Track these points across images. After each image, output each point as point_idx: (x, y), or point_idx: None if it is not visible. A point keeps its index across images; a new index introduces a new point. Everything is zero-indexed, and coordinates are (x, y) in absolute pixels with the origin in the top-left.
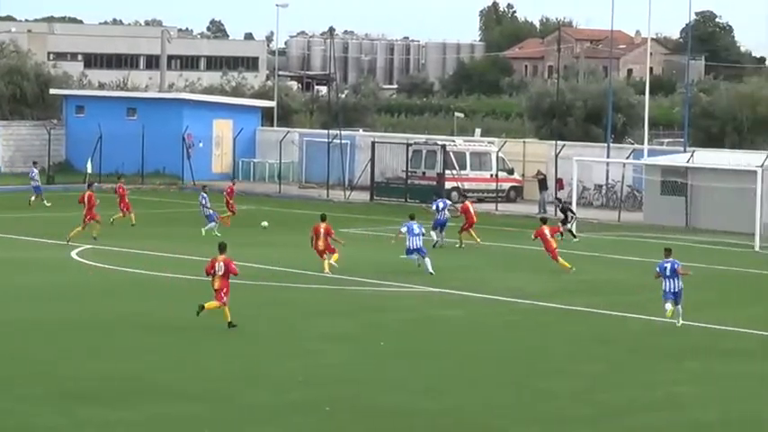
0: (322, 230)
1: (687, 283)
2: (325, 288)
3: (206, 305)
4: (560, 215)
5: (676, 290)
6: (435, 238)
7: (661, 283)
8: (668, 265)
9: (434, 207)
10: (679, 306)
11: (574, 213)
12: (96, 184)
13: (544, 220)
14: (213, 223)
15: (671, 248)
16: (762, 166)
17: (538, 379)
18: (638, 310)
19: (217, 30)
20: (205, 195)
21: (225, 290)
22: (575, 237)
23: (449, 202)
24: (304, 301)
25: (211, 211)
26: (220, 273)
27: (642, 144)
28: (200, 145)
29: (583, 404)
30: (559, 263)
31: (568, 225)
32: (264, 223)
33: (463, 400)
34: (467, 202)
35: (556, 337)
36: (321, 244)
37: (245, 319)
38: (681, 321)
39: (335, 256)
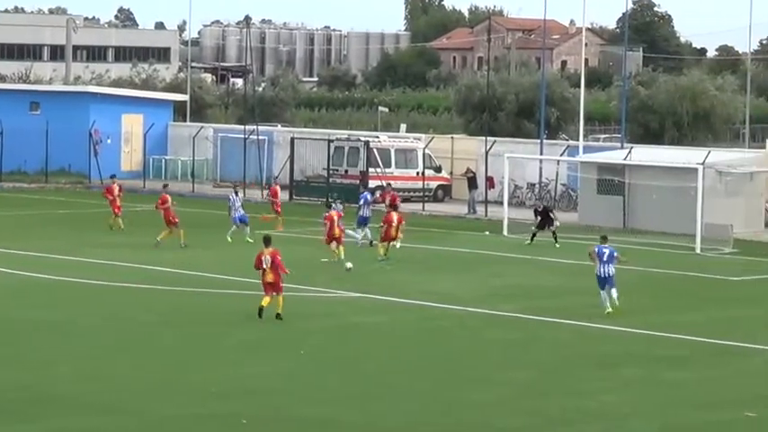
0: (335, 217)
1: (624, 288)
2: (244, 294)
3: (263, 304)
4: (537, 218)
5: (610, 275)
6: (357, 236)
7: (595, 266)
8: (607, 251)
9: (362, 201)
10: (613, 290)
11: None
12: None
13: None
14: (246, 227)
15: (607, 236)
16: (703, 163)
17: (465, 388)
18: (570, 315)
19: (126, 18)
20: (236, 196)
21: (279, 282)
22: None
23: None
24: (221, 307)
25: (243, 213)
26: (267, 266)
27: (577, 140)
28: (109, 141)
29: (511, 414)
30: None
31: (554, 227)
32: (349, 265)
33: (387, 411)
34: (392, 213)
35: (484, 343)
36: (337, 231)
37: (159, 327)
38: (610, 307)
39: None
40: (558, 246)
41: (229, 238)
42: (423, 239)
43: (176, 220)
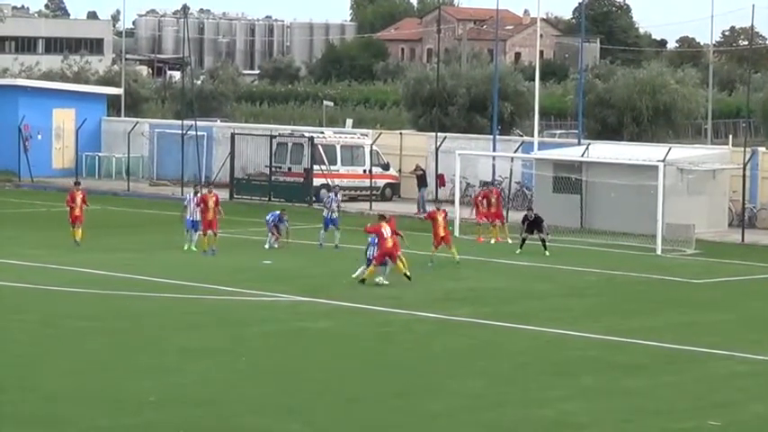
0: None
1: (582, 291)
2: (183, 297)
3: (366, 276)
4: (524, 225)
5: None
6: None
7: None
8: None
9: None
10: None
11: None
12: None
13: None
14: (196, 233)
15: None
16: (664, 160)
17: (415, 397)
18: (526, 320)
19: (56, 8)
20: (194, 197)
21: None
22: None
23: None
24: (159, 311)
25: (197, 217)
26: (388, 236)
27: (532, 136)
28: (39, 137)
29: (465, 425)
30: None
31: (543, 234)
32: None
33: (332, 421)
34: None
35: (435, 350)
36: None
37: (93, 333)
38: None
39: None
40: (547, 254)
41: (186, 246)
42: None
43: (81, 219)
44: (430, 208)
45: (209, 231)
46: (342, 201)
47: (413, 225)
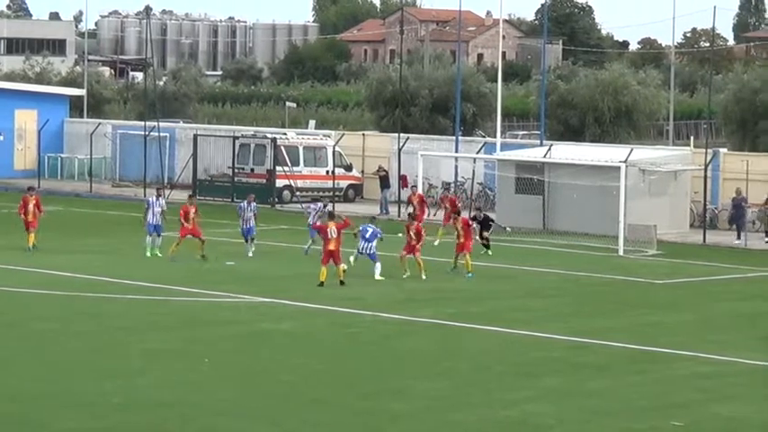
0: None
1: (544, 292)
2: (147, 299)
3: (321, 279)
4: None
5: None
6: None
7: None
8: (370, 230)
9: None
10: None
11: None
12: None
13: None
14: (159, 238)
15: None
16: (626, 161)
17: (380, 399)
18: (489, 321)
19: (18, 8)
20: (156, 200)
21: (339, 252)
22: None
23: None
24: (124, 313)
25: (159, 220)
26: (334, 236)
27: (494, 137)
28: (1, 138)
29: (431, 427)
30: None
31: (487, 234)
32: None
33: (298, 423)
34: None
35: (399, 351)
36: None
37: (57, 335)
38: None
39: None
40: (490, 253)
41: (148, 252)
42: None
43: (34, 225)
44: (392, 209)
45: (198, 239)
46: (304, 202)
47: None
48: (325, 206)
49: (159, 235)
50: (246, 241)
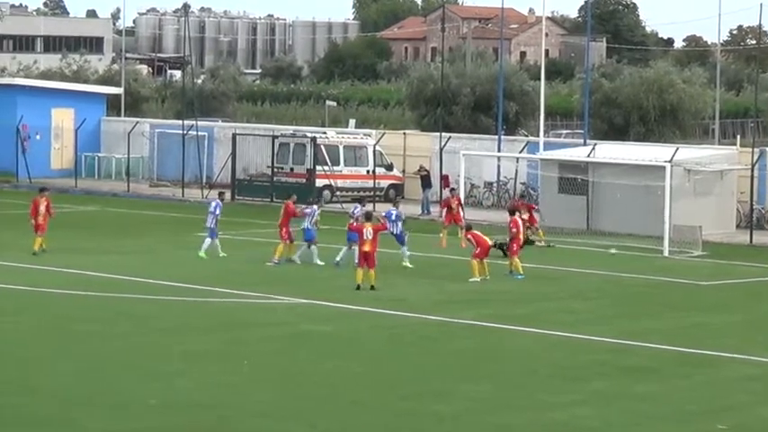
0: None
1: (589, 293)
2: (186, 300)
3: (358, 281)
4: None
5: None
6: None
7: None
8: (394, 212)
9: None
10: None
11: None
12: None
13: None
14: (214, 240)
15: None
16: (671, 161)
17: (424, 401)
18: (532, 322)
19: (55, 6)
20: (219, 203)
21: (375, 255)
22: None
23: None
24: (162, 315)
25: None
26: (369, 237)
27: (537, 136)
28: (38, 137)
29: (477, 429)
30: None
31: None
32: (613, 251)
33: (337, 426)
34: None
35: (443, 353)
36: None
37: (97, 336)
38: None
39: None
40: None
41: (203, 254)
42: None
43: (44, 229)
44: (434, 209)
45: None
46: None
47: (414, 226)
48: (363, 205)
49: (213, 238)
50: (309, 246)
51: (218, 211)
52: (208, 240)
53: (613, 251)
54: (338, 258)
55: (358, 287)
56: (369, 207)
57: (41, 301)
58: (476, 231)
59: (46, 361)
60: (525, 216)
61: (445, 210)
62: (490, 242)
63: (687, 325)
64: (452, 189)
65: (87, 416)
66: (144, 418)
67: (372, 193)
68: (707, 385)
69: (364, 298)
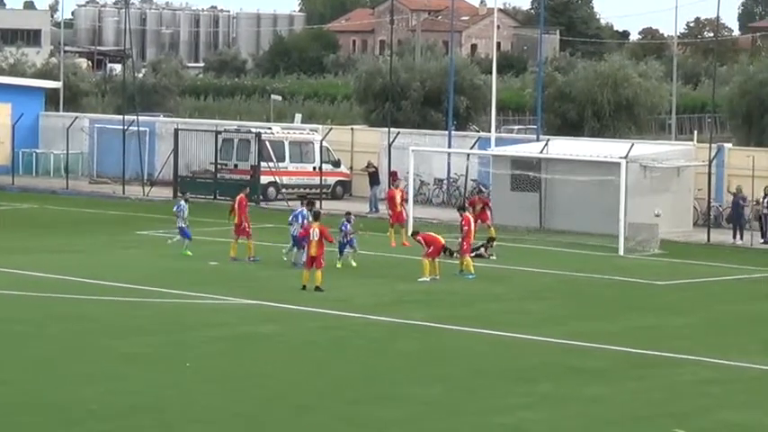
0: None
1: (541, 294)
2: (126, 301)
3: (303, 282)
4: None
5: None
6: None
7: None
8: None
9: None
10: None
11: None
12: None
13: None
14: (187, 240)
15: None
16: (626, 157)
17: (369, 405)
18: (483, 324)
19: None
20: (184, 205)
21: (322, 256)
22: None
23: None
24: (101, 315)
25: (184, 225)
26: (315, 239)
27: (489, 132)
28: None
29: None
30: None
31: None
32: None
33: (282, 430)
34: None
35: (389, 356)
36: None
37: (29, 338)
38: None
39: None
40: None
41: (189, 252)
42: None
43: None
44: (381, 207)
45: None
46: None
47: (367, 225)
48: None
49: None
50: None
51: (183, 213)
52: (179, 238)
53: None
54: (294, 260)
55: (303, 287)
56: (315, 207)
57: None
58: (424, 232)
59: None
60: (478, 208)
61: (389, 204)
62: (442, 241)
63: (642, 326)
64: (394, 179)
65: (27, 422)
66: (85, 424)
67: (319, 191)
68: (662, 389)
69: (310, 298)
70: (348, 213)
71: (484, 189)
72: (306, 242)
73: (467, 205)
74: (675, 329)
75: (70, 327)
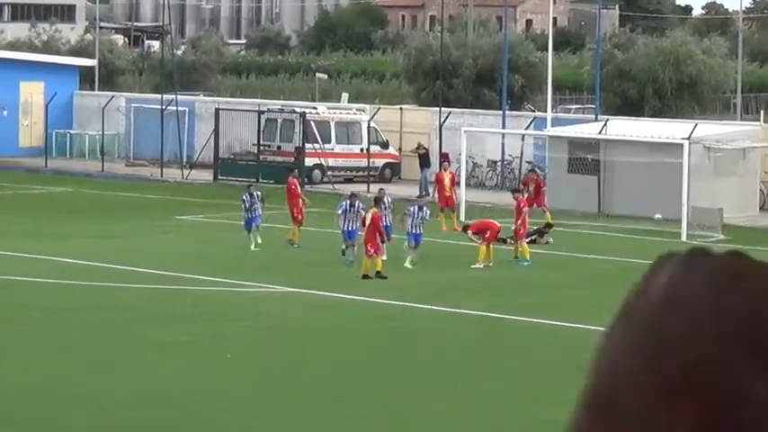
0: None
1: (601, 281)
2: (164, 288)
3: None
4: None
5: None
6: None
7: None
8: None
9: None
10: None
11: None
12: None
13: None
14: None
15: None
16: (689, 138)
17: (421, 397)
18: (542, 313)
19: None
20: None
21: (369, 243)
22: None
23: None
24: (137, 303)
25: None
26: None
27: (545, 111)
28: (5, 113)
29: (476, 428)
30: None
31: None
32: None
33: (322, 424)
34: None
35: (443, 346)
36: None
37: (63, 326)
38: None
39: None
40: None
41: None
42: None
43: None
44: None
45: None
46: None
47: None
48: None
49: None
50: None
51: (246, 205)
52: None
53: (658, 216)
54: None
55: (365, 276)
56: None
57: (8, 289)
58: (474, 222)
59: (10, 355)
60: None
61: (437, 188)
62: (498, 224)
63: None
64: (444, 163)
65: (59, 413)
66: (116, 414)
67: (366, 173)
68: None
69: (360, 287)
70: (353, 195)
71: (540, 171)
72: (354, 236)
73: (521, 186)
74: None
75: (106, 315)
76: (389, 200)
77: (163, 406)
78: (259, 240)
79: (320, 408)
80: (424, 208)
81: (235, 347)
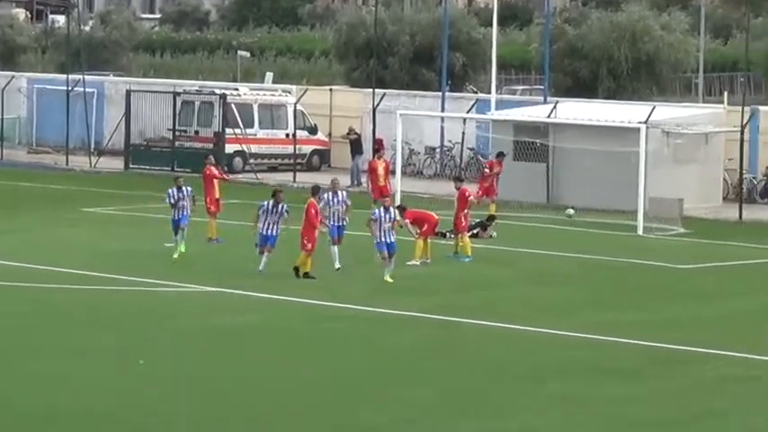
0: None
1: (554, 279)
2: (75, 288)
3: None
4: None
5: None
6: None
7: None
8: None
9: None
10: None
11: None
12: None
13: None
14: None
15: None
16: (646, 122)
17: (353, 408)
18: (483, 314)
19: None
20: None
21: (305, 237)
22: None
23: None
24: (48, 306)
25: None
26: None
27: (488, 93)
28: None
29: None
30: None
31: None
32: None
33: None
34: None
35: (377, 351)
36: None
37: None
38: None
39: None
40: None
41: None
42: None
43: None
44: (365, 179)
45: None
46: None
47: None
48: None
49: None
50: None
51: (172, 200)
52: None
53: (570, 211)
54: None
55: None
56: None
57: None
58: (412, 209)
59: None
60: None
61: (370, 177)
62: (435, 216)
63: (665, 317)
64: (378, 150)
65: None
66: (27, 430)
67: (292, 161)
68: (686, 387)
69: (289, 286)
70: (277, 192)
71: (483, 159)
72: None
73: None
74: (702, 320)
75: (12, 320)
76: (344, 194)
77: (70, 420)
78: (183, 249)
79: (252, 419)
80: (391, 208)
81: (153, 353)
